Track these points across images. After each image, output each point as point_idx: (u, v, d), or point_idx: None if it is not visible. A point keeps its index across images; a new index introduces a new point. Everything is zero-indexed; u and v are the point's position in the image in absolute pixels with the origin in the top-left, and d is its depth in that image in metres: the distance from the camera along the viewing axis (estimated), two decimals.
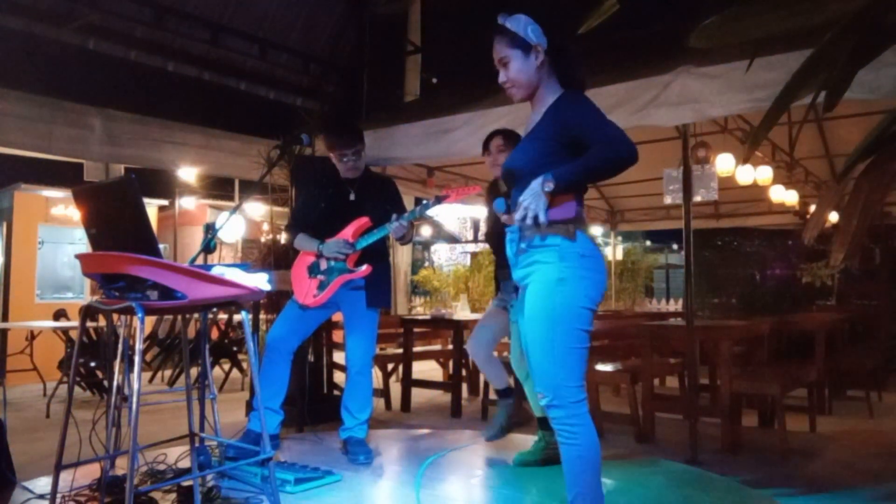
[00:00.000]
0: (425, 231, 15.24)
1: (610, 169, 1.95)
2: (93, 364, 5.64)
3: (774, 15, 1.16)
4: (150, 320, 6.56)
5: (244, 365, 6.78)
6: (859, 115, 4.91)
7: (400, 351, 5.65)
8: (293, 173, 4.93)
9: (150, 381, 6.80)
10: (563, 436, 1.95)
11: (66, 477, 2.37)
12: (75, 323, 4.76)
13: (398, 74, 8.38)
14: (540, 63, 2.08)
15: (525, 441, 3.47)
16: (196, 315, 3.34)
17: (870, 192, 1.26)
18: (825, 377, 5.04)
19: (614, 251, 9.62)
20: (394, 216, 3.23)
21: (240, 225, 8.67)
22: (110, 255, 2.11)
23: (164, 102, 5.59)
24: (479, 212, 11.06)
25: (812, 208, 7.29)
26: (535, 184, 1.90)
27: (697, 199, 5.15)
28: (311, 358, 4.88)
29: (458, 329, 5.27)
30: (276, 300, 4.69)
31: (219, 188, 10.19)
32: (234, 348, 6.85)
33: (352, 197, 3.49)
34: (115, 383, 2.48)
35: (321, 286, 3.34)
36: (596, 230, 9.51)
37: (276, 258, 4.98)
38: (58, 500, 2.37)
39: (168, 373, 6.85)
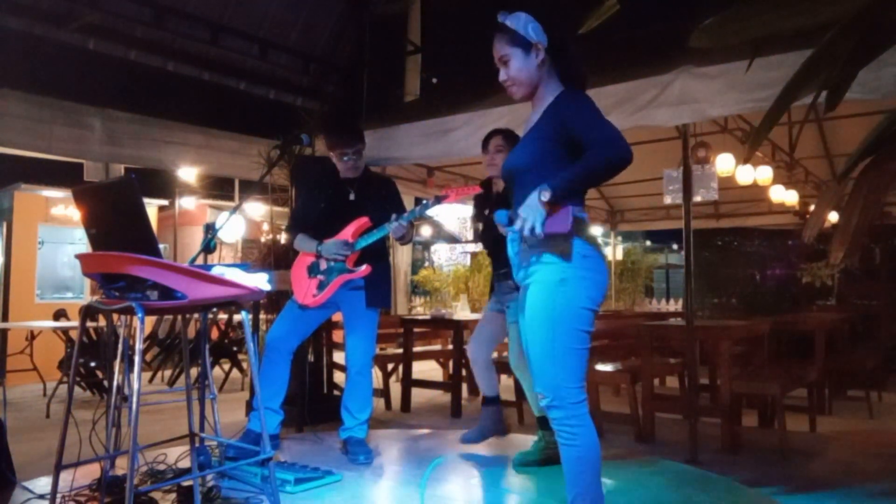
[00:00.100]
0: (425, 231, 15.24)
1: (607, 172, 1.93)
2: (93, 364, 5.64)
3: (774, 15, 1.16)
4: (150, 320, 6.56)
5: (244, 365, 6.78)
6: (859, 115, 4.91)
7: (400, 351, 5.65)
8: (293, 173, 4.94)
9: (150, 381, 6.80)
10: (563, 436, 1.94)
11: (66, 477, 2.37)
12: (75, 323, 4.76)
13: (398, 74, 8.38)
14: (540, 61, 2.08)
15: (525, 441, 3.47)
16: (196, 315, 3.33)
17: (870, 192, 1.26)
18: (825, 377, 5.04)
19: (614, 251, 9.61)
20: (393, 216, 3.23)
21: (240, 225, 8.68)
22: (110, 255, 2.11)
23: (164, 102, 5.59)
24: None
25: (812, 208, 7.29)
26: (533, 196, 1.88)
27: (697, 199, 5.15)
28: (311, 358, 4.88)
29: (458, 329, 5.27)
30: (276, 300, 4.69)
31: (219, 188, 10.19)
32: (234, 348, 6.85)
33: (351, 197, 3.49)
34: (115, 383, 2.48)
35: (321, 286, 3.34)
36: (596, 230, 9.49)
37: (276, 258, 4.98)
38: (58, 500, 2.37)
39: (168, 373, 6.85)
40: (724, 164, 5.66)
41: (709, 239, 10.42)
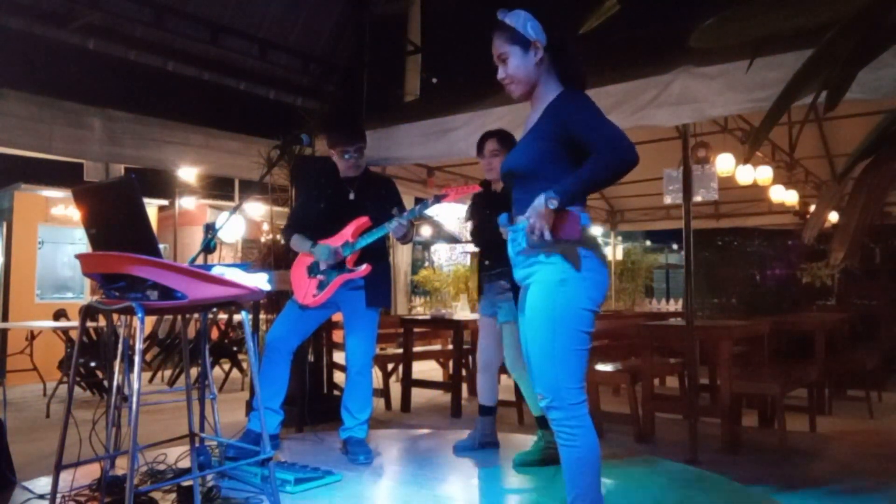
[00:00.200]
0: (425, 231, 15.24)
1: (614, 176, 1.91)
2: (93, 364, 5.64)
3: (774, 15, 1.15)
4: (150, 320, 6.56)
5: (244, 365, 6.78)
6: (859, 115, 4.91)
7: (400, 351, 5.65)
8: (293, 173, 4.94)
9: (150, 381, 6.80)
10: (563, 437, 1.94)
11: (66, 477, 2.37)
12: (75, 323, 4.76)
13: (398, 74, 8.38)
14: (539, 60, 2.07)
15: (525, 441, 3.47)
16: (196, 315, 3.33)
17: (870, 192, 1.26)
18: (825, 377, 5.04)
19: (614, 251, 9.61)
20: (395, 210, 3.24)
21: (240, 225, 8.68)
22: (110, 255, 2.11)
23: (164, 102, 5.59)
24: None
25: (812, 208, 7.30)
26: (539, 202, 1.86)
27: (697, 199, 5.15)
28: (311, 358, 4.88)
29: (458, 329, 5.27)
30: (276, 300, 4.69)
31: (219, 188, 10.19)
32: (234, 348, 6.85)
33: (351, 196, 3.49)
34: (115, 383, 2.48)
35: (321, 286, 3.34)
36: (596, 230, 9.49)
37: (276, 258, 4.98)
38: (58, 500, 2.37)
39: (168, 373, 6.85)
40: (724, 164, 5.66)
41: (709, 239, 10.42)
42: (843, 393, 5.61)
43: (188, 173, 6.24)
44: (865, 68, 1.25)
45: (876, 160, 1.27)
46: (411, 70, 8.60)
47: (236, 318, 6.83)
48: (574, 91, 2.07)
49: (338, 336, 4.75)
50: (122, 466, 2.68)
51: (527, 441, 3.42)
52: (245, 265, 2.33)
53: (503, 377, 4.21)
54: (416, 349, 5.81)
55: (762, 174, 6.15)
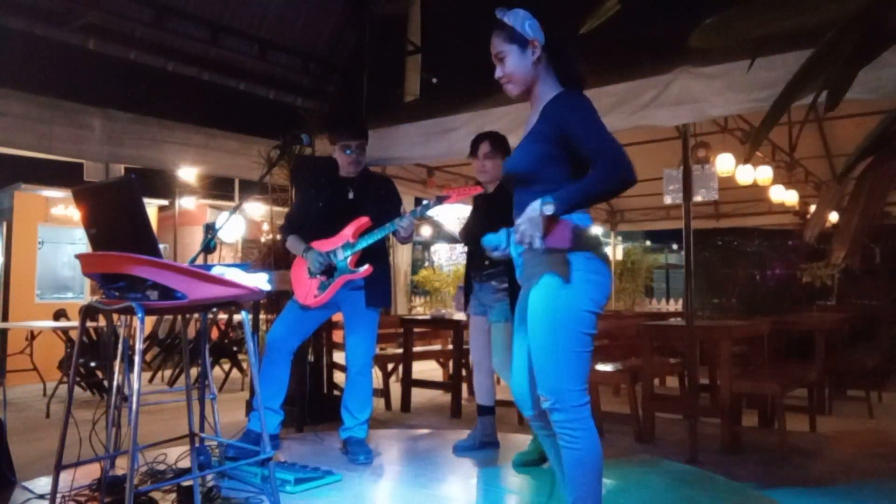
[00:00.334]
0: (425, 231, 15.23)
1: (612, 194, 1.94)
2: (93, 364, 5.64)
3: (775, 15, 1.15)
4: (150, 320, 6.56)
5: (244, 365, 6.78)
6: (859, 115, 4.90)
7: (400, 351, 5.65)
8: (293, 173, 4.93)
9: (150, 381, 6.80)
10: (564, 439, 1.93)
11: (66, 477, 2.37)
12: (75, 323, 4.76)
13: (398, 74, 8.38)
14: (536, 59, 2.06)
15: (525, 441, 3.47)
16: (196, 315, 3.33)
17: (870, 192, 1.26)
18: (825, 377, 5.04)
19: (614, 251, 9.61)
20: (402, 208, 3.25)
21: (240, 225, 8.68)
22: (110, 255, 2.11)
23: (164, 102, 5.59)
24: None
25: (812, 208, 7.30)
26: (534, 208, 1.85)
27: (697, 199, 5.14)
28: (311, 358, 4.88)
29: (458, 329, 5.27)
30: (276, 300, 4.69)
31: (219, 188, 10.19)
32: (234, 348, 6.85)
33: (350, 195, 3.49)
34: (115, 383, 2.48)
35: (322, 286, 3.34)
36: (596, 230, 9.49)
37: (276, 258, 4.98)
38: (58, 500, 2.37)
39: (168, 373, 6.85)
40: (724, 164, 5.66)
41: (709, 239, 10.41)
42: (843, 393, 5.61)
43: (188, 173, 6.24)
44: (866, 68, 1.25)
45: (876, 160, 1.27)
46: (411, 70, 8.60)
47: (236, 318, 6.83)
48: (572, 92, 2.05)
49: (338, 336, 4.75)
50: (122, 466, 2.68)
51: (526, 441, 3.42)
52: (245, 265, 2.33)
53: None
54: (416, 349, 5.81)
55: (762, 174, 6.15)
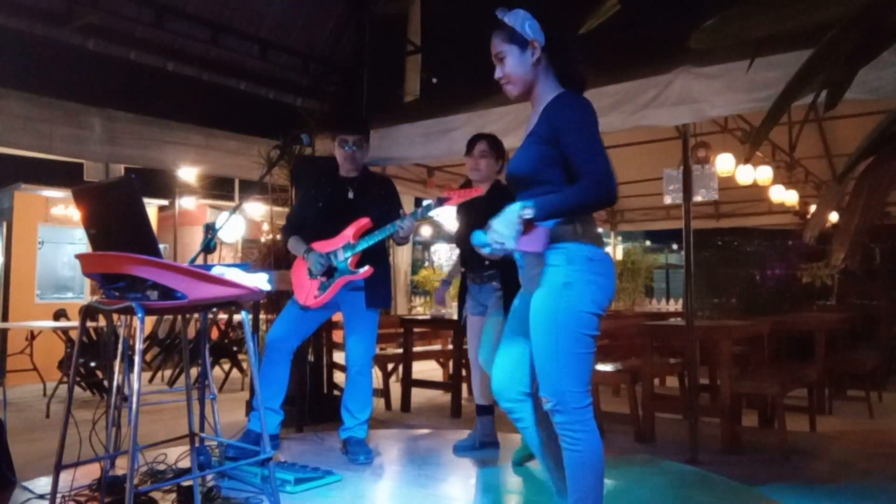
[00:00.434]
0: (425, 231, 15.24)
1: (591, 210, 1.97)
2: (93, 364, 5.64)
3: (774, 15, 1.15)
4: (150, 320, 6.55)
5: (244, 365, 6.78)
6: (859, 115, 4.91)
7: (400, 351, 5.65)
8: (293, 173, 4.94)
9: (150, 381, 6.80)
10: (566, 441, 1.93)
11: (66, 477, 2.37)
12: (75, 323, 4.76)
13: (398, 74, 8.38)
14: (536, 59, 2.05)
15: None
16: (196, 315, 3.34)
17: (870, 192, 1.26)
18: (825, 377, 5.04)
19: (614, 251, 9.61)
20: (403, 211, 3.25)
21: (240, 225, 8.67)
22: (110, 255, 2.11)
23: (164, 102, 5.58)
24: None
25: (812, 208, 7.30)
26: (512, 210, 1.88)
27: (697, 199, 5.15)
28: (311, 358, 4.88)
29: (458, 329, 5.27)
30: (276, 300, 4.69)
31: (219, 188, 10.19)
32: (234, 348, 6.85)
33: (350, 195, 3.49)
34: (115, 383, 2.48)
35: (322, 287, 3.34)
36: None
37: (276, 258, 4.98)
38: (58, 500, 2.37)
39: (168, 373, 6.85)
40: (724, 164, 5.66)
41: (709, 239, 10.40)
42: (843, 393, 5.61)
43: (188, 173, 6.24)
44: (866, 68, 1.25)
45: (876, 160, 1.27)
46: (411, 70, 8.60)
47: (236, 318, 6.83)
48: (571, 96, 2.03)
49: (338, 336, 4.75)
50: (122, 466, 2.68)
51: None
52: (245, 265, 2.33)
53: None
54: (416, 349, 5.81)
55: (762, 174, 6.15)
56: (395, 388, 5.62)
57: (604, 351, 5.11)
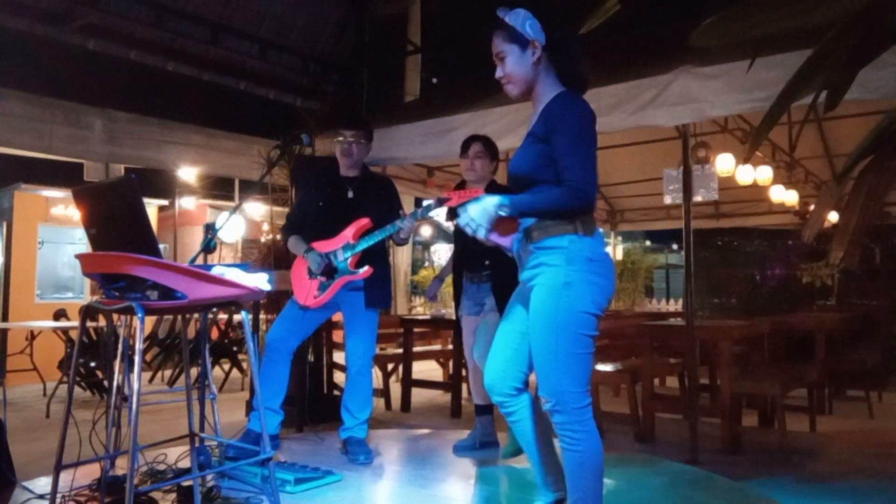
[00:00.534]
0: (425, 231, 15.25)
1: (565, 215, 1.97)
2: (93, 364, 5.64)
3: (774, 15, 1.15)
4: (150, 320, 6.55)
5: (244, 365, 6.78)
6: (859, 115, 4.91)
7: (400, 351, 5.65)
8: (293, 173, 4.94)
9: (150, 381, 6.80)
10: (565, 441, 1.94)
11: (66, 477, 2.37)
12: (75, 323, 4.76)
13: (398, 74, 8.38)
14: (536, 59, 2.05)
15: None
16: (196, 315, 3.34)
17: (870, 192, 1.26)
18: (825, 377, 5.04)
19: (614, 251, 9.61)
20: (403, 211, 3.25)
21: (240, 225, 8.68)
22: (110, 255, 2.11)
23: (164, 102, 5.58)
24: None
25: (812, 208, 7.30)
26: (490, 202, 1.92)
27: (697, 199, 5.15)
28: (311, 358, 4.88)
29: (458, 329, 5.26)
30: (276, 300, 4.69)
31: (219, 188, 10.18)
32: (234, 348, 6.85)
33: (350, 195, 3.49)
34: (115, 383, 2.48)
35: (322, 287, 3.34)
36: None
37: (276, 258, 4.98)
38: (58, 500, 2.37)
39: (168, 373, 6.85)
40: (724, 164, 5.66)
41: (709, 239, 10.41)
42: (843, 393, 5.61)
43: (188, 173, 6.24)
44: (866, 68, 1.25)
45: (876, 160, 1.27)
46: (411, 70, 8.60)
47: (236, 318, 6.83)
48: (569, 96, 2.03)
49: (338, 336, 4.75)
50: (122, 466, 2.68)
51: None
52: (245, 265, 2.33)
53: None
54: (416, 349, 5.81)
55: (762, 174, 6.15)
56: (395, 388, 5.62)
57: (604, 351, 5.11)
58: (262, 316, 4.90)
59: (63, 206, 7.76)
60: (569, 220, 1.96)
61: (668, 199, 5.30)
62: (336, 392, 5.05)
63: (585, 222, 1.98)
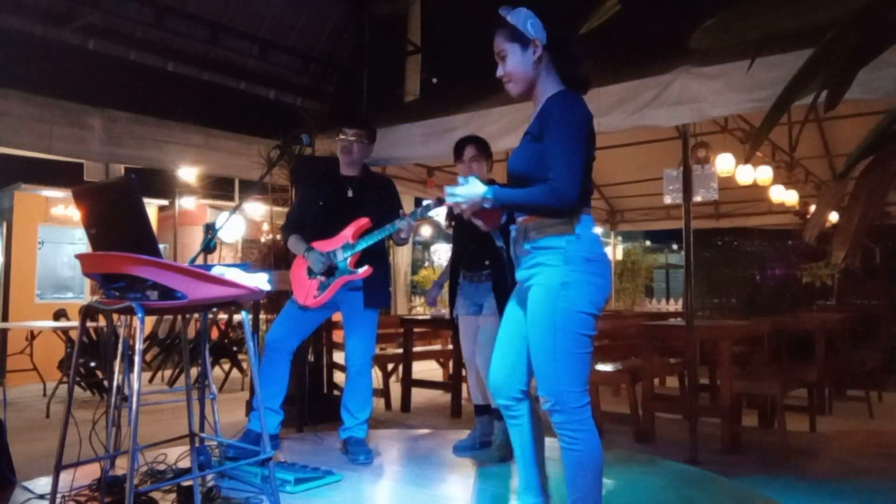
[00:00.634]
0: (425, 231, 15.24)
1: (543, 214, 1.99)
2: (93, 364, 5.64)
3: (774, 15, 1.15)
4: (150, 320, 6.56)
5: (244, 365, 6.78)
6: (859, 115, 4.91)
7: (400, 351, 5.65)
8: (293, 173, 4.94)
9: (150, 381, 6.80)
10: (564, 441, 1.94)
11: (66, 477, 2.37)
12: (75, 323, 4.76)
13: (398, 74, 8.38)
14: (537, 58, 2.05)
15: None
16: (196, 315, 3.34)
17: (870, 192, 1.26)
18: (825, 377, 5.04)
19: (614, 251, 9.61)
20: (403, 212, 3.25)
21: (240, 225, 8.68)
22: (110, 255, 2.11)
23: (164, 102, 5.58)
24: None
25: (812, 208, 7.30)
26: (479, 190, 1.97)
27: (697, 199, 5.15)
28: (311, 358, 4.88)
29: (456, 329, 5.26)
30: (276, 300, 4.69)
31: (219, 188, 10.19)
32: (234, 348, 6.85)
33: (350, 194, 3.49)
34: (115, 383, 2.48)
35: (321, 287, 3.34)
36: (596, 230, 9.50)
37: (276, 258, 4.98)
38: (58, 500, 2.37)
39: (168, 373, 6.85)
40: (724, 164, 5.66)
41: (709, 239, 10.42)
42: (843, 393, 5.61)
43: (188, 173, 6.24)
44: (866, 68, 1.25)
45: (876, 160, 1.27)
46: (411, 70, 8.61)
47: (236, 318, 6.83)
48: (566, 96, 2.03)
49: (338, 336, 4.74)
50: (122, 466, 2.68)
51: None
52: (245, 265, 2.33)
53: None
54: (416, 349, 5.81)
55: (762, 174, 6.15)
56: (395, 388, 5.62)
57: (604, 351, 5.12)
58: (262, 316, 4.90)
59: (63, 206, 7.76)
60: (566, 221, 1.96)
61: (668, 199, 5.30)
62: (336, 392, 5.05)
63: (582, 223, 1.98)
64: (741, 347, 4.98)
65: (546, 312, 1.94)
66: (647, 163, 6.67)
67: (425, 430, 4.31)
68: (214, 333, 6.83)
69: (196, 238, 9.37)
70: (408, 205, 6.00)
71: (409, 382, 5.45)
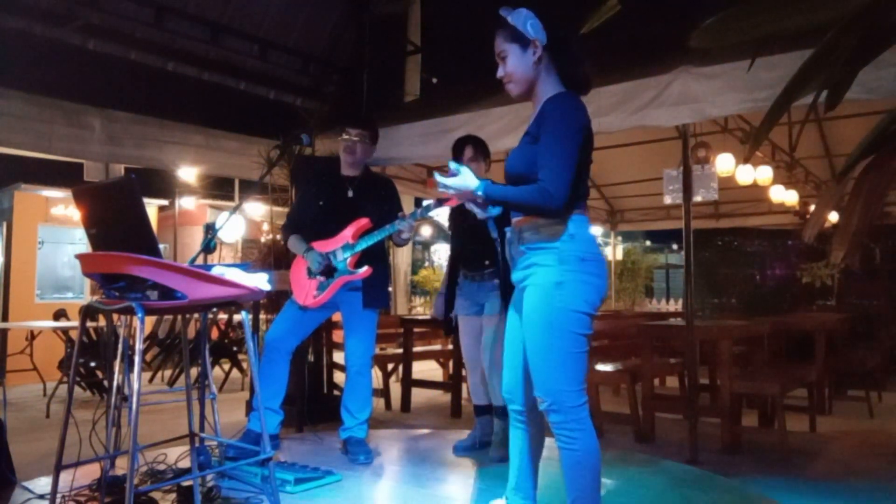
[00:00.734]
0: (425, 231, 15.25)
1: (532, 213, 2.00)
2: (93, 364, 5.64)
3: (774, 15, 1.15)
4: (150, 320, 6.56)
5: (244, 365, 6.78)
6: (859, 115, 4.91)
7: (400, 351, 5.65)
8: (293, 173, 4.94)
9: (150, 381, 6.80)
10: (562, 440, 1.94)
11: (66, 477, 2.36)
12: (75, 323, 4.76)
13: (398, 74, 8.38)
14: (537, 59, 2.06)
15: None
16: (196, 315, 3.33)
17: (870, 191, 1.26)
18: (825, 377, 5.04)
19: (614, 251, 9.62)
20: (400, 214, 3.25)
21: (240, 225, 8.68)
22: (110, 255, 2.11)
23: (164, 102, 5.58)
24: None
25: (812, 208, 7.30)
26: (471, 184, 2.00)
27: (697, 199, 5.15)
28: (311, 358, 4.88)
29: (456, 329, 5.26)
30: (276, 300, 4.69)
31: (219, 188, 10.19)
32: (234, 348, 6.85)
33: (350, 194, 3.49)
34: (115, 383, 2.48)
35: (321, 287, 3.34)
36: (596, 230, 9.52)
37: (276, 258, 4.98)
38: (58, 500, 2.37)
39: (168, 373, 6.85)
40: (724, 164, 5.66)
41: (709, 239, 10.41)
42: (843, 393, 5.61)
43: (188, 173, 6.24)
44: (866, 68, 1.25)
45: (876, 160, 1.27)
46: (411, 70, 8.60)
47: (236, 318, 6.83)
48: (564, 97, 2.03)
49: (338, 336, 4.75)
50: (122, 466, 2.68)
51: None
52: (245, 265, 2.33)
53: None
54: (416, 349, 5.81)
55: (762, 174, 6.16)
56: (395, 388, 5.62)
57: (604, 351, 5.12)
58: (262, 316, 4.90)
59: (63, 206, 7.76)
60: (560, 221, 1.96)
61: (667, 199, 5.30)
62: (336, 392, 5.05)
63: (577, 223, 1.98)
64: (741, 347, 4.98)
65: (541, 312, 1.94)
66: (646, 163, 6.67)
67: (425, 430, 4.31)
68: (214, 333, 6.83)
69: (196, 238, 9.37)
70: (408, 205, 6.01)
71: (409, 382, 5.45)
